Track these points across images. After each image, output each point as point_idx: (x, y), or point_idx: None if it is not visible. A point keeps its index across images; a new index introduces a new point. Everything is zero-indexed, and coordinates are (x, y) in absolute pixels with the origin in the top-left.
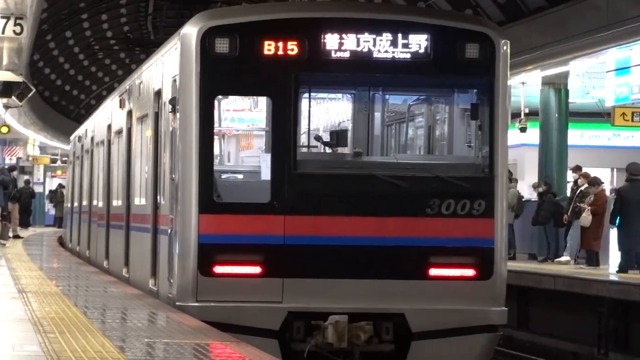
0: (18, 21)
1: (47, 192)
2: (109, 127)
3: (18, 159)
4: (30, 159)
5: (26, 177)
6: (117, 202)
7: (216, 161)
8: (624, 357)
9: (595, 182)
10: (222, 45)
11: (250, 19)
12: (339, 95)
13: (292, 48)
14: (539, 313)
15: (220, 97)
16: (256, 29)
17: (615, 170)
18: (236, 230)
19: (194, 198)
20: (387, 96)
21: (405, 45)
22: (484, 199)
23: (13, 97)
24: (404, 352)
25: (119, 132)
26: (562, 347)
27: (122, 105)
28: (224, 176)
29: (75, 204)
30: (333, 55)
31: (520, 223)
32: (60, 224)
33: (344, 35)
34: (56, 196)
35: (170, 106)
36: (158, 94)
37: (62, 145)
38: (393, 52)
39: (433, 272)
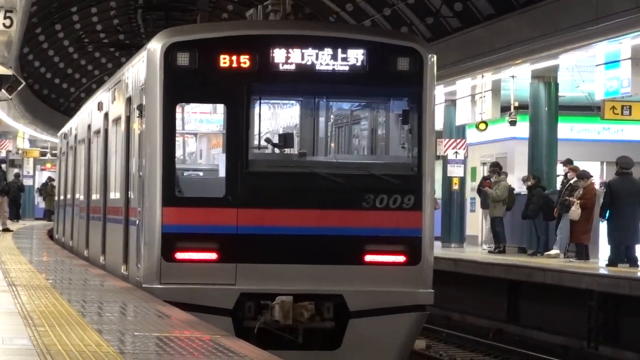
0: (8, 14)
1: (37, 185)
2: (89, 127)
3: (8, 152)
4: (20, 152)
5: (16, 170)
6: (95, 196)
7: (183, 160)
8: (613, 351)
9: (584, 175)
10: (183, 59)
11: (208, 35)
12: (287, 102)
13: (245, 61)
14: (528, 307)
15: (181, 104)
16: (213, 44)
17: (605, 163)
18: (195, 221)
19: (158, 193)
20: (330, 103)
21: (344, 59)
22: (413, 194)
23: (3, 90)
24: (343, 329)
25: (97, 132)
26: (552, 340)
27: (100, 108)
28: (185, 173)
29: (62, 197)
30: (281, 67)
31: (510, 217)
32: (49, 217)
33: (290, 50)
34: (46, 189)
35: (138, 111)
36: (129, 100)
37: (51, 139)
38: (334, 65)
39: (368, 258)
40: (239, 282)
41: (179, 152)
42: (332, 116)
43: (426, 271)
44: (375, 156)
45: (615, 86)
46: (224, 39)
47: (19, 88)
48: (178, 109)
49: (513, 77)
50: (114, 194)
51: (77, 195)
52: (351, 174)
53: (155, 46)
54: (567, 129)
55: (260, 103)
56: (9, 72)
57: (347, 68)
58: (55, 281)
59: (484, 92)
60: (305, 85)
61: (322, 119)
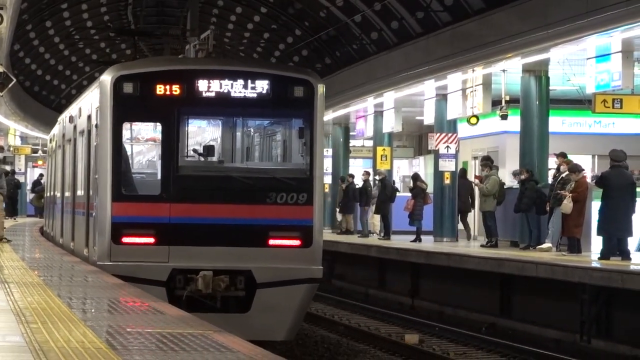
0: None
1: (29, 182)
2: (64, 135)
3: None
4: (11, 149)
5: (8, 167)
6: (67, 194)
7: (128, 165)
8: (606, 344)
9: (575, 169)
10: (128, 88)
11: (147, 69)
12: (210, 121)
13: (176, 89)
14: (521, 300)
15: (127, 123)
16: (151, 76)
17: (596, 157)
18: (137, 213)
19: (108, 191)
20: (245, 122)
21: (253, 88)
22: (306, 192)
23: None
24: (251, 297)
25: (69, 140)
26: (544, 334)
27: (71, 120)
28: (130, 175)
29: (48, 194)
30: (204, 94)
31: (501, 210)
32: (41, 213)
33: (211, 81)
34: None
35: (95, 127)
36: (89, 117)
37: (42, 135)
38: (245, 92)
39: (271, 242)
40: (171, 260)
41: (124, 159)
42: (246, 132)
43: (316, 252)
44: (278, 163)
45: (606, 79)
46: (160, 72)
47: (10, 85)
48: (124, 126)
49: (504, 71)
50: (80, 192)
51: (56, 193)
52: (258, 176)
53: (107, 78)
54: (559, 122)
55: (188, 122)
56: None
57: (255, 95)
58: (48, 278)
59: (475, 86)
60: (223, 108)
61: (238, 134)
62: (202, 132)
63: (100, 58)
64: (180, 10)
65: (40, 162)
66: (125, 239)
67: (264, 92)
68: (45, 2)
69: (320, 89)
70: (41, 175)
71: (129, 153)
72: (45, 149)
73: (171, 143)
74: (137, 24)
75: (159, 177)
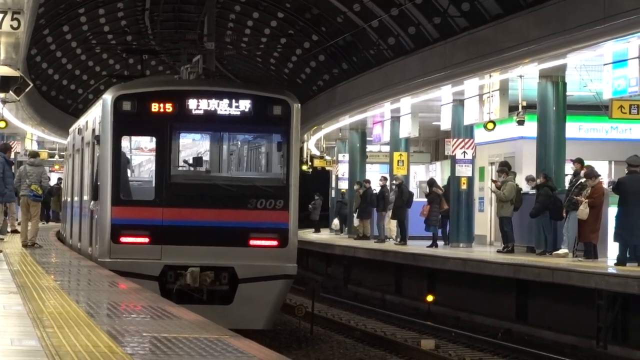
0: (15, 16)
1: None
2: (74, 145)
3: (16, 153)
4: (28, 153)
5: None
6: (76, 198)
7: (126, 173)
8: (622, 350)
9: (592, 174)
10: (126, 105)
11: (144, 90)
12: (200, 135)
13: (169, 107)
14: (537, 306)
15: (125, 136)
16: (147, 96)
17: (613, 163)
18: (134, 216)
19: (109, 196)
20: (230, 136)
21: (237, 106)
22: (283, 199)
23: (10, 92)
24: (234, 291)
25: (78, 150)
26: (560, 340)
27: (79, 132)
28: (130, 183)
29: (64, 199)
30: (194, 112)
31: (518, 216)
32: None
33: (200, 100)
34: (58, 192)
35: (97, 140)
36: (93, 131)
37: (59, 140)
38: (230, 110)
39: (252, 242)
40: (163, 258)
41: (123, 168)
42: (231, 145)
43: (292, 251)
44: (259, 172)
45: (623, 85)
46: (155, 92)
47: (27, 90)
48: (123, 139)
49: (521, 76)
50: (86, 197)
51: (68, 198)
52: (241, 184)
53: (108, 96)
54: (575, 128)
55: (179, 136)
56: (16, 73)
57: (239, 112)
58: (63, 282)
59: (492, 91)
60: (211, 124)
61: (224, 147)
62: (193, 145)
63: (117, 63)
64: (197, 15)
65: (57, 167)
66: (123, 239)
67: (247, 110)
68: (62, 7)
69: (296, 107)
70: (60, 179)
71: (127, 163)
72: (62, 153)
73: (164, 154)
74: (154, 29)
75: (153, 184)
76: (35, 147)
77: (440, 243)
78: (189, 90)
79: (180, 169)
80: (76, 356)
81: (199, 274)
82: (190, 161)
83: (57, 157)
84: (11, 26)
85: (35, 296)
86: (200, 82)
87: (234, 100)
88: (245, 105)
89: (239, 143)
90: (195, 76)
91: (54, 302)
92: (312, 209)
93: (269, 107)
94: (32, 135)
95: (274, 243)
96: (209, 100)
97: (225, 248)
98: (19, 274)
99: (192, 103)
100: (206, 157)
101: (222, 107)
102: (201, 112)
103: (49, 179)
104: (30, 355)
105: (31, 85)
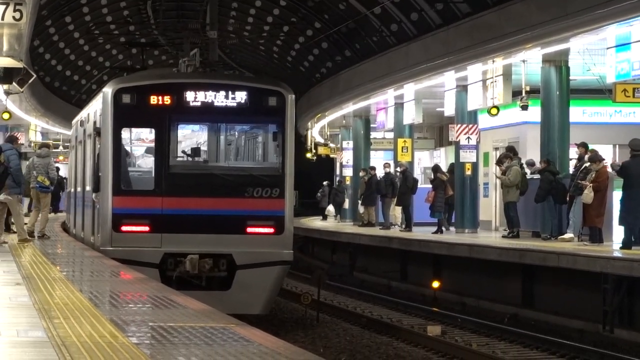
0: (17, 7)
1: None
2: (76, 137)
3: (20, 144)
4: (32, 144)
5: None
6: (79, 189)
7: (127, 164)
8: (629, 333)
9: (596, 158)
10: (126, 98)
11: (143, 83)
12: (197, 127)
13: (167, 99)
14: (543, 291)
15: (125, 128)
16: (146, 89)
17: (617, 146)
18: (134, 205)
19: (110, 186)
20: (227, 127)
21: (233, 98)
22: (279, 187)
23: (14, 84)
24: (232, 277)
25: (80, 142)
26: (567, 324)
27: (81, 125)
28: (130, 173)
29: (68, 190)
30: (191, 104)
31: (523, 201)
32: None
33: (197, 92)
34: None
35: (98, 132)
36: (95, 123)
37: (63, 131)
38: (226, 102)
39: (249, 230)
40: (163, 245)
41: (123, 159)
42: (228, 135)
43: (288, 238)
44: (256, 162)
45: (627, 69)
46: (154, 85)
47: (30, 81)
48: (123, 130)
49: (524, 61)
50: (89, 188)
51: (71, 189)
52: (238, 174)
53: (108, 90)
54: (579, 112)
55: (177, 127)
56: (19, 65)
57: (235, 104)
58: (69, 273)
59: (495, 77)
60: (208, 116)
61: (221, 138)
62: (192, 136)
63: (120, 53)
64: (199, 4)
65: (61, 158)
66: (124, 228)
67: (243, 101)
68: None
69: (290, 98)
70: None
71: (127, 154)
72: (66, 144)
73: (163, 145)
74: (156, 19)
75: (153, 174)
76: (39, 139)
77: (452, 229)
78: (186, 83)
79: (179, 159)
80: (82, 347)
81: (198, 261)
82: (189, 152)
83: (61, 147)
84: (13, 17)
85: (41, 287)
86: (198, 74)
87: (230, 92)
88: (241, 96)
89: (236, 133)
90: (192, 69)
91: (59, 292)
92: (321, 196)
93: (264, 99)
94: (36, 127)
95: (271, 230)
96: (206, 93)
97: (223, 236)
98: (25, 265)
99: (190, 95)
100: (204, 148)
101: (219, 98)
102: (199, 104)
103: (58, 169)
104: (37, 346)
105: (34, 76)
